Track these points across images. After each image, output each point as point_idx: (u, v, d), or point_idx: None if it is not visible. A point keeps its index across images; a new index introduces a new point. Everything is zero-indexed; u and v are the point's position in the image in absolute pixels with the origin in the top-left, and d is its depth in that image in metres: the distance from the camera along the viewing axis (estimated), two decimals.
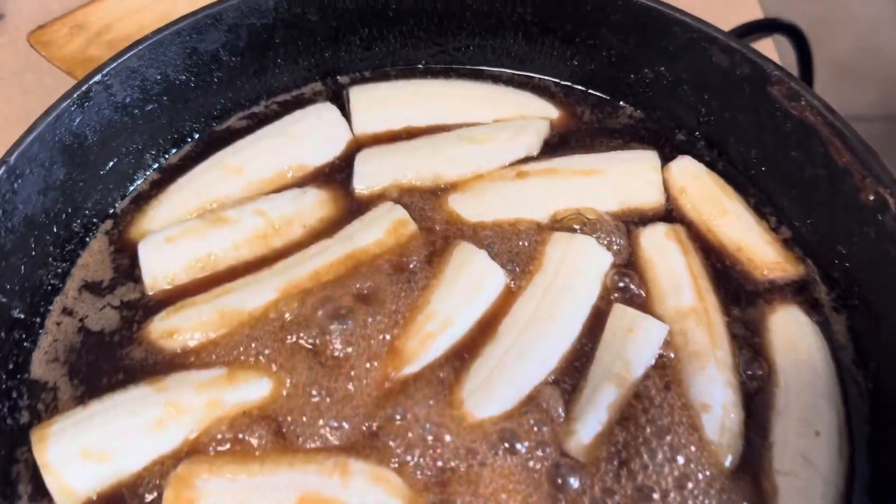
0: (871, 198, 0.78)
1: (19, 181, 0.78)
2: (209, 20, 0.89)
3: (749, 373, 0.79)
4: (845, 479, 0.75)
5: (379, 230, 0.87)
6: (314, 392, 0.77)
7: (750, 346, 0.81)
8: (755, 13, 1.45)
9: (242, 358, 0.79)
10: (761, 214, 0.90)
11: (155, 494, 0.73)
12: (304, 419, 0.76)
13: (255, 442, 0.75)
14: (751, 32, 1.29)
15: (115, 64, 0.84)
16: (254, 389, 0.77)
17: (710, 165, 0.92)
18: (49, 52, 1.17)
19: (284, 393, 0.78)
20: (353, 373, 0.79)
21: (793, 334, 0.81)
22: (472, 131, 0.95)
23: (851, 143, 0.80)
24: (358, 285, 0.83)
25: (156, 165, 0.93)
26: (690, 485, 0.73)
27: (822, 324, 0.83)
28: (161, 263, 0.84)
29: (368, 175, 0.91)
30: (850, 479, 0.75)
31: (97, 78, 0.83)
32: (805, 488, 0.73)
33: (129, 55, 0.85)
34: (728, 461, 0.75)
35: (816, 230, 0.86)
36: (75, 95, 0.82)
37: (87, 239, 0.87)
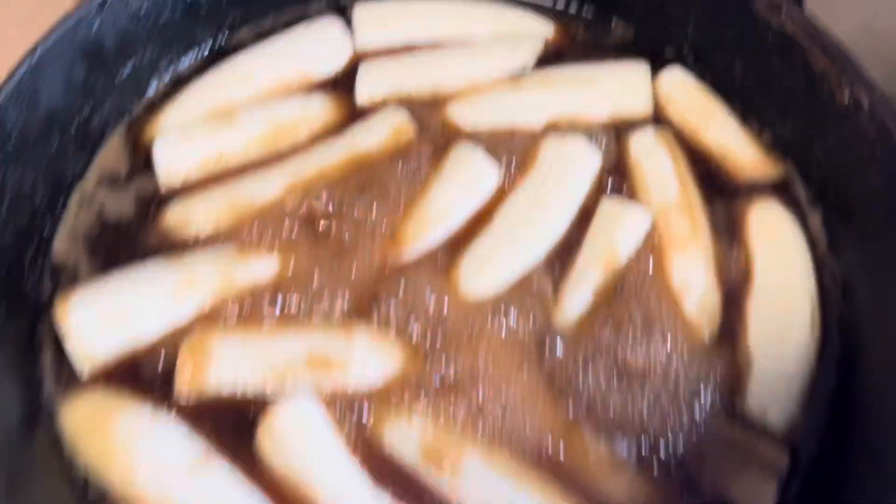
0: (847, 99, 0.82)
1: (43, 76, 0.83)
2: None
3: (728, 258, 0.84)
4: (817, 354, 0.79)
5: (381, 132, 0.91)
6: (319, 270, 0.82)
7: (729, 235, 0.86)
8: None
9: (250, 242, 0.84)
10: (745, 121, 0.94)
11: (169, 360, 0.77)
12: (310, 295, 0.81)
13: (263, 314, 0.80)
14: None
15: None
16: (262, 268, 0.82)
17: (698, 77, 0.97)
18: None
19: (291, 274, 0.83)
20: (355, 256, 0.83)
21: (770, 224, 0.86)
22: (470, 46, 1.00)
23: (830, 48, 0.84)
24: (361, 179, 0.88)
25: (169, 73, 0.98)
26: (670, 357, 0.78)
27: (800, 218, 0.87)
28: (175, 160, 0.89)
29: (370, 85, 0.96)
30: (822, 353, 0.80)
31: None
32: (776, 357, 0.78)
33: None
34: (706, 336, 0.80)
35: (796, 133, 0.90)
36: (94, 3, 0.87)
37: (106, 137, 0.92)
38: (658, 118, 0.95)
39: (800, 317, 0.80)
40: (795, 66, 0.88)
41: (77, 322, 0.77)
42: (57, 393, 0.77)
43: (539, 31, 1.02)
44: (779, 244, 0.85)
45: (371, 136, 0.91)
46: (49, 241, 0.85)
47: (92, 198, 0.88)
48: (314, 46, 0.98)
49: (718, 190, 0.89)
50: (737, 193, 0.89)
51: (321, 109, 0.95)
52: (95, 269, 0.84)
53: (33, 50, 0.82)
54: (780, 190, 0.90)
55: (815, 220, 0.88)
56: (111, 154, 0.91)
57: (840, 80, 0.83)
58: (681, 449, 0.74)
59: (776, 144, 0.92)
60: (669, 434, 0.75)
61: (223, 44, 1.01)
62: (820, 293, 0.83)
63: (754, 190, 0.89)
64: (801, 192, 0.89)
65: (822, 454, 0.75)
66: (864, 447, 0.72)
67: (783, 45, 0.88)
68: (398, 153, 0.91)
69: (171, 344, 0.78)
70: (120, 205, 0.88)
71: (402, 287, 0.81)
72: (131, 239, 0.85)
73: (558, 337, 0.79)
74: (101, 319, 0.78)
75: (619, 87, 0.95)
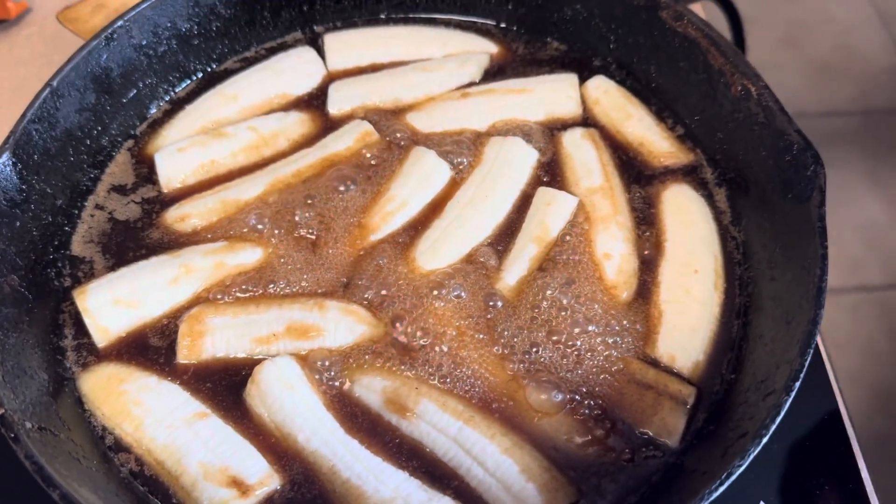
0: (739, 89, 0.97)
1: (60, 100, 0.98)
2: None
3: (644, 232, 0.99)
4: (720, 306, 0.94)
5: (349, 139, 1.07)
6: (298, 257, 0.97)
7: (646, 214, 1.01)
8: None
9: (239, 234, 0.99)
10: (661, 118, 1.10)
11: (172, 331, 0.92)
12: (291, 277, 0.96)
13: (250, 294, 0.95)
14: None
15: (134, 12, 1.05)
16: (249, 256, 0.97)
17: (620, 83, 1.13)
18: (76, 26, 1.39)
19: (274, 260, 0.97)
20: (328, 242, 0.98)
21: (681, 203, 1.01)
22: (425, 64, 1.15)
23: (724, 49, 1.00)
24: (332, 179, 1.03)
25: (167, 97, 1.13)
26: (593, 314, 0.92)
27: (707, 196, 1.02)
28: (174, 168, 1.05)
29: (340, 99, 1.12)
30: (725, 305, 0.94)
31: (120, 23, 1.04)
32: (684, 311, 0.92)
33: (145, 5, 1.06)
34: (624, 295, 0.94)
35: (702, 124, 1.06)
36: (103, 36, 1.03)
37: (113, 153, 1.08)
38: (586, 118, 1.10)
39: (705, 277, 0.94)
40: (698, 66, 1.03)
41: (95, 303, 0.92)
42: (77, 363, 0.91)
43: (484, 48, 1.18)
44: (688, 218, 0.99)
45: (341, 143, 1.07)
46: (68, 238, 1.00)
47: (103, 204, 1.03)
48: (291, 70, 1.14)
49: (636, 176, 1.04)
50: (653, 178, 1.04)
51: (298, 123, 1.10)
52: (108, 261, 0.98)
53: (53, 77, 0.98)
54: (690, 173, 1.05)
55: (721, 196, 1.02)
56: (118, 169, 1.07)
57: (733, 74, 0.98)
58: (603, 392, 0.88)
59: (686, 136, 1.08)
60: (593, 380, 0.89)
61: (213, 70, 1.17)
62: (724, 257, 0.97)
63: (668, 175, 1.04)
64: (708, 174, 1.04)
65: (722, 390, 0.89)
66: (752, 382, 0.85)
67: (687, 48, 1.04)
68: (364, 155, 1.06)
69: (173, 317, 0.93)
70: (127, 208, 1.03)
71: (368, 264, 0.96)
72: (138, 236, 1.00)
73: (499, 300, 0.93)
74: (114, 301, 0.92)
75: (551, 94, 1.11)
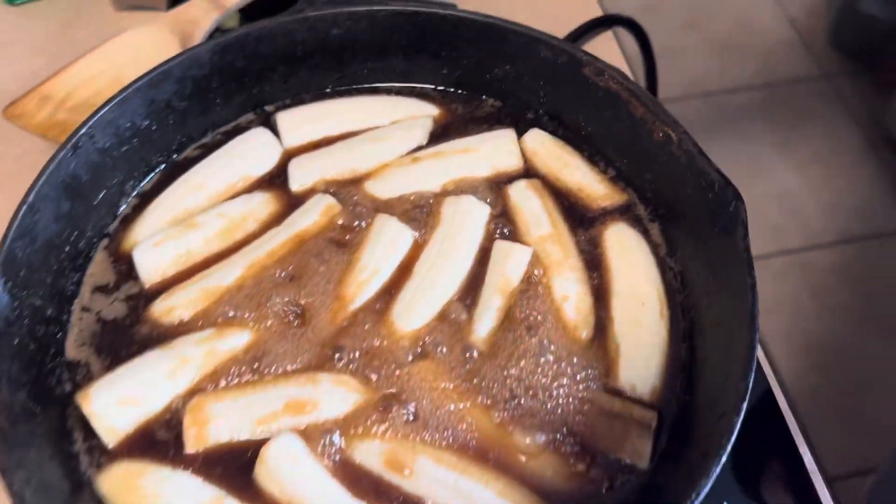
0: (661, 135, 1.10)
1: (37, 214, 1.03)
2: (160, 76, 1.16)
3: (593, 272, 1.10)
4: (667, 332, 1.06)
5: (314, 214, 1.15)
6: (284, 335, 1.05)
7: (592, 255, 1.12)
8: (596, 12, 1.74)
9: (224, 320, 1.06)
10: (593, 163, 1.21)
11: (176, 423, 0.99)
12: (280, 356, 1.04)
13: (244, 377, 1.02)
14: (594, 28, 1.63)
15: (95, 118, 1.10)
16: (238, 340, 1.04)
17: (553, 133, 1.24)
18: (23, 122, 1.42)
19: (261, 341, 1.05)
20: (311, 316, 1.06)
21: (622, 241, 1.13)
22: (375, 133, 1.24)
23: (643, 99, 1.12)
24: (305, 255, 1.11)
25: (134, 192, 1.19)
26: (559, 357, 1.03)
27: (643, 232, 1.14)
28: (152, 263, 1.11)
29: (301, 176, 1.20)
30: (671, 331, 1.06)
31: (83, 130, 1.09)
32: (637, 342, 1.04)
33: (104, 110, 1.11)
34: (584, 334, 1.05)
35: (631, 166, 1.18)
36: (68, 146, 1.08)
37: (91, 255, 1.13)
38: (528, 170, 1.21)
39: (651, 307, 1.06)
40: (622, 115, 1.15)
41: (99, 405, 0.98)
42: (91, 465, 0.97)
43: (426, 112, 1.27)
44: (629, 255, 1.11)
45: (308, 218, 1.14)
46: (62, 345, 1.05)
47: (89, 305, 1.09)
48: (250, 153, 1.21)
49: (579, 219, 1.16)
50: (594, 220, 1.16)
51: (264, 203, 1.18)
52: (104, 361, 1.04)
53: (28, 193, 1.02)
54: (626, 212, 1.17)
55: (655, 230, 1.15)
56: (98, 269, 1.12)
57: (654, 121, 1.10)
58: (580, 428, 0.99)
59: (618, 177, 1.20)
60: (567, 419, 0.99)
61: (175, 160, 1.23)
62: (665, 287, 1.09)
63: (606, 215, 1.16)
64: (641, 211, 1.17)
65: (679, 411, 1.01)
66: (706, 402, 0.97)
67: (610, 99, 1.15)
68: (331, 229, 1.14)
69: (176, 409, 1.00)
70: (113, 307, 1.09)
71: (351, 334, 1.04)
72: (127, 333, 1.06)
73: (476, 351, 1.03)
74: (118, 401, 0.98)
75: (494, 150, 1.21)
